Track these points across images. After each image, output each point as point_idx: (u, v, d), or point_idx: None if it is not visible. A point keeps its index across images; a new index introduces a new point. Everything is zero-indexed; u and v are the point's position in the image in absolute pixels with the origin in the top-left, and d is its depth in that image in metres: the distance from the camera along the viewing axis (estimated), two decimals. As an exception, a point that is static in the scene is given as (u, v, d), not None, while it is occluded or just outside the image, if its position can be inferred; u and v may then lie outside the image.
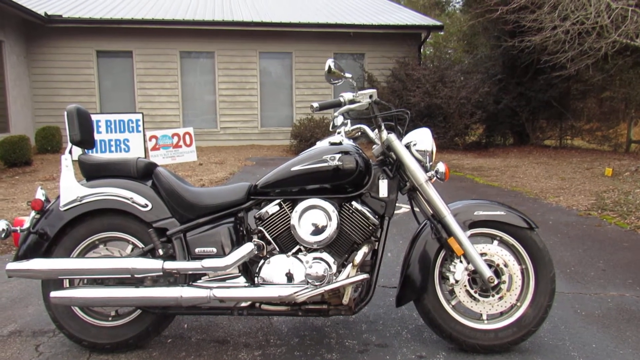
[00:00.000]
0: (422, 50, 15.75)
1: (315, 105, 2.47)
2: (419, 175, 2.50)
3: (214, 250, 2.50)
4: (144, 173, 2.62)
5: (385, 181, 2.53)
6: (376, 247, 2.54)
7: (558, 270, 3.68)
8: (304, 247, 2.49)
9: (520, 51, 11.35)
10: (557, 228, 5.15)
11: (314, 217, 2.44)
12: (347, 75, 2.54)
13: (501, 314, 2.59)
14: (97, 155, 3.04)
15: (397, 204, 2.58)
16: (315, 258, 2.45)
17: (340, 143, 2.52)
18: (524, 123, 13.63)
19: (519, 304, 2.57)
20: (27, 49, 13.13)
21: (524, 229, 2.55)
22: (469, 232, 2.55)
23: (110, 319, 2.62)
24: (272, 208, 2.52)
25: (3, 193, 7.15)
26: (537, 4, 9.80)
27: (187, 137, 9.11)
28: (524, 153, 12.41)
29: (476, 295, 2.55)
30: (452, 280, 2.52)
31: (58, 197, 2.55)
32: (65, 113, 2.53)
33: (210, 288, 2.42)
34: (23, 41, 12.89)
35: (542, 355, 2.55)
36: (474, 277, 2.55)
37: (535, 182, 8.09)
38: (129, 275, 2.44)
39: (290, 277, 2.45)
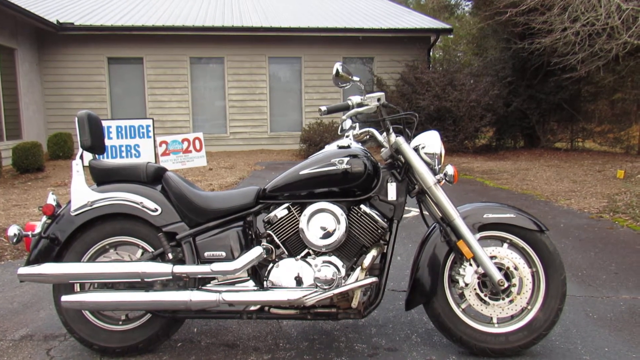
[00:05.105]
0: (431, 53, 15.72)
1: (323, 108, 2.48)
2: (428, 178, 2.49)
3: (223, 254, 2.52)
4: (154, 178, 2.64)
5: (394, 184, 2.52)
6: (385, 251, 2.53)
7: (569, 274, 3.65)
8: (312, 250, 2.49)
9: (530, 53, 11.29)
10: (568, 231, 5.11)
11: (322, 221, 2.44)
12: (355, 78, 2.54)
13: (512, 317, 2.57)
14: (107, 160, 3.07)
15: (406, 207, 2.58)
16: (324, 262, 2.45)
17: (349, 146, 2.52)
18: (535, 125, 13.54)
19: (529, 307, 2.54)
20: (40, 57, 13.29)
21: (534, 231, 2.53)
22: (479, 235, 2.54)
23: (120, 323, 2.63)
24: (280, 212, 2.53)
25: (15, 199, 7.22)
26: (547, 5, 9.75)
27: (197, 142, 9.14)
28: (535, 156, 12.33)
29: (486, 299, 2.53)
30: (461, 284, 2.50)
31: (69, 202, 2.58)
32: (76, 119, 2.56)
33: (220, 292, 2.43)
34: (35, 49, 13.05)
35: (553, 359, 2.53)
36: (484, 280, 2.53)
37: (546, 185, 8.03)
38: (139, 279, 2.45)
39: (299, 281, 2.46)
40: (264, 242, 2.55)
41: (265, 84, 14.62)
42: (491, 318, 2.57)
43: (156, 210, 2.54)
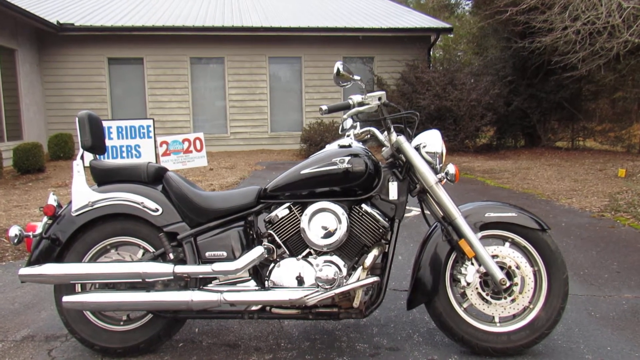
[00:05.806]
0: (431, 52, 15.72)
1: (324, 107, 2.47)
2: (429, 177, 2.48)
3: (224, 254, 2.51)
4: (155, 178, 2.63)
5: (395, 183, 2.52)
6: (386, 250, 2.53)
7: (571, 273, 3.64)
8: (314, 250, 2.49)
9: (531, 52, 11.28)
10: (570, 230, 5.10)
11: (323, 220, 2.43)
12: (356, 77, 2.53)
13: (514, 316, 2.56)
14: (108, 160, 3.07)
15: (407, 207, 2.57)
16: (325, 261, 2.44)
17: (350, 146, 2.51)
18: (535, 125, 13.53)
19: (531, 306, 2.54)
20: (40, 57, 13.29)
21: (536, 230, 2.52)
22: (480, 234, 2.53)
23: (121, 323, 2.63)
24: (281, 211, 2.52)
25: (16, 200, 7.22)
26: (548, 4, 9.74)
27: (197, 142, 9.14)
28: (536, 155, 12.32)
29: (488, 298, 2.52)
30: (463, 283, 2.50)
31: (70, 202, 2.57)
32: (77, 119, 2.56)
33: (221, 292, 2.42)
34: (36, 49, 13.06)
35: (555, 358, 2.52)
36: (486, 279, 2.52)
37: (547, 184, 8.02)
38: (140, 280, 2.45)
39: (300, 281, 2.45)
40: (265, 242, 2.55)
41: (266, 84, 14.62)
42: (493, 317, 2.56)
43: (157, 210, 2.53)
